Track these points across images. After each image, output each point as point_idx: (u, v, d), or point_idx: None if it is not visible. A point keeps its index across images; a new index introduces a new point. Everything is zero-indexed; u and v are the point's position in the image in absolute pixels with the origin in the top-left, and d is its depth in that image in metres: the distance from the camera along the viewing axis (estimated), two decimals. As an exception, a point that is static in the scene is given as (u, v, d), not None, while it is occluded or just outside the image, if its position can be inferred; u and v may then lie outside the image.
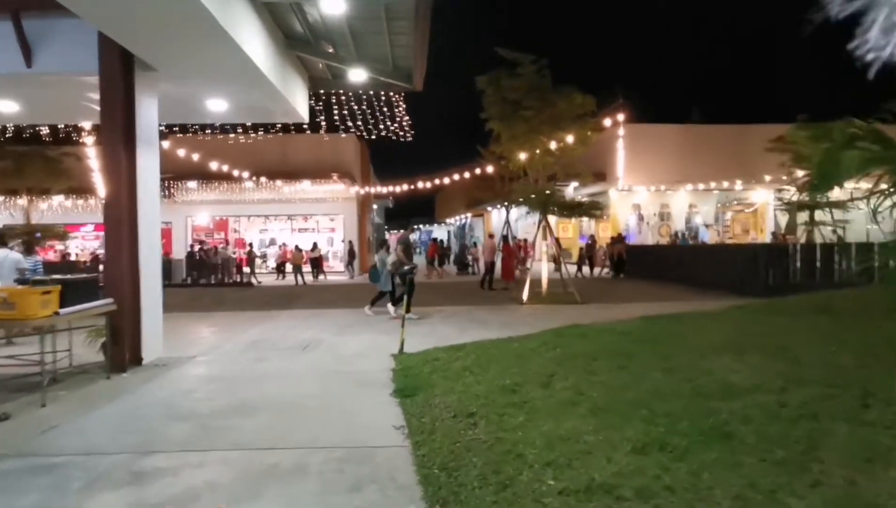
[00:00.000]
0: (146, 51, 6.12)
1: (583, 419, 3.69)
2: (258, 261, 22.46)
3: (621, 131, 12.97)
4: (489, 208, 39.82)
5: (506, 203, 23.00)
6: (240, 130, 11.04)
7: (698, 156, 24.41)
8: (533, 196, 13.12)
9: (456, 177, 17.41)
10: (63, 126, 13.63)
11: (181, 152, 15.76)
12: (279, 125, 11.43)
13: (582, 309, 11.12)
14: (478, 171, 16.62)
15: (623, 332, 6.05)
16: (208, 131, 10.92)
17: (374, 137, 10.83)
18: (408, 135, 10.70)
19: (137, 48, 6.03)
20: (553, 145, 12.41)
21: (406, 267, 9.85)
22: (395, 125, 10.49)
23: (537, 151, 12.83)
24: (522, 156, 13.15)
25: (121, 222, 6.05)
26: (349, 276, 22.44)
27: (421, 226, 66.99)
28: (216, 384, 5.52)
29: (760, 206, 27.57)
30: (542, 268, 13.85)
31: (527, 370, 5.11)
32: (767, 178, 20.97)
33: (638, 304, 11.83)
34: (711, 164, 24.22)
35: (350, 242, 23.54)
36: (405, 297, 9.46)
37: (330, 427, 4.17)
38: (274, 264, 22.20)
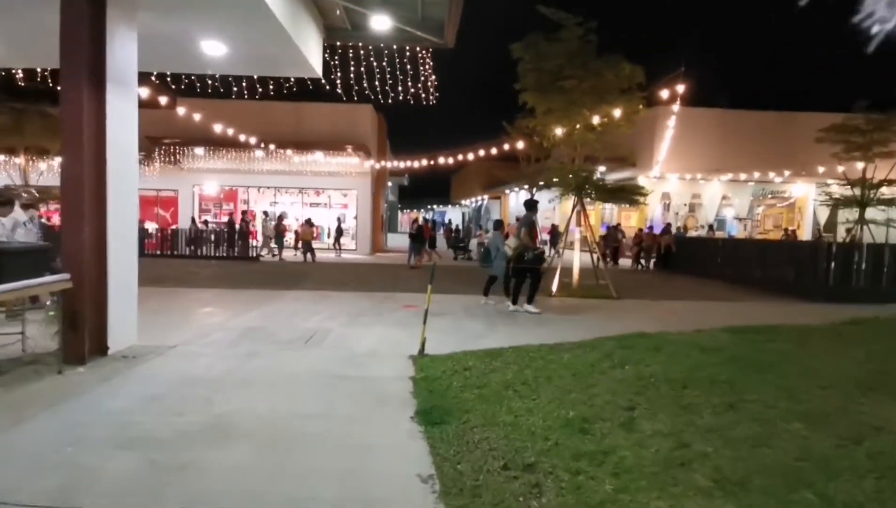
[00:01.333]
0: (120, -36, 4.86)
1: (708, 497, 2.45)
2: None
3: (676, 107, 11.47)
4: (507, 191, 38.39)
5: (528, 185, 21.60)
6: (249, 91, 9.72)
7: (735, 144, 22.78)
8: (569, 177, 11.76)
9: (481, 153, 16.02)
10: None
11: (188, 116, 14.53)
12: (293, 86, 10.10)
13: (621, 305, 9.88)
14: (506, 147, 15.23)
15: (709, 348, 4.78)
16: (219, 90, 9.60)
17: (391, 99, 9.48)
18: (431, 98, 9.36)
19: (107, -41, 4.77)
20: (596, 120, 11.00)
21: (531, 253, 8.63)
22: (419, 85, 9.14)
23: (577, 127, 11.44)
24: (559, 131, 11.77)
25: (81, 180, 4.84)
26: (336, 255, 20.94)
27: (435, 207, 65.66)
28: (191, 388, 4.35)
29: (799, 200, 25.92)
30: (574, 257, 12.58)
31: (593, 395, 3.88)
32: (821, 169, 19.28)
33: (681, 302, 10.57)
34: (750, 153, 22.59)
35: (339, 218, 22.20)
36: (530, 287, 8.66)
37: (331, 473, 2.98)
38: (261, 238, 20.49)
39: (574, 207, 12.07)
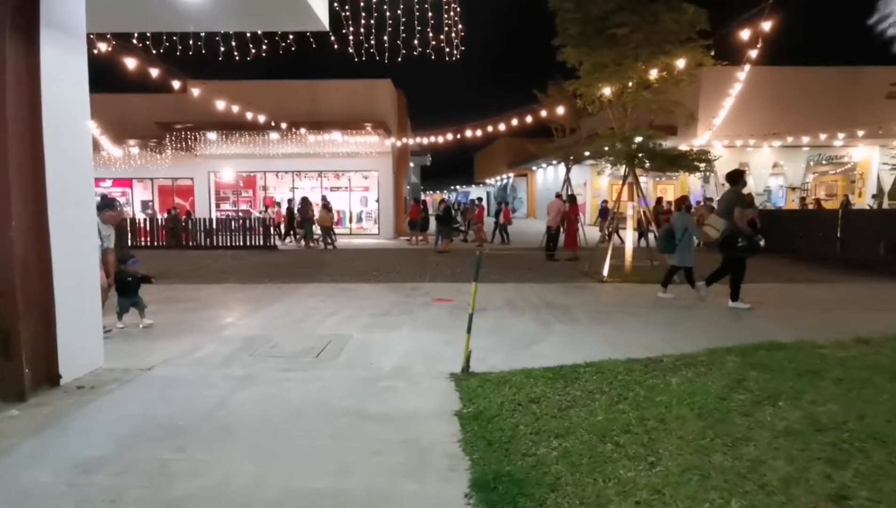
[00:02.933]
0: None
1: None
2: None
3: (754, 52, 9.53)
4: (534, 168, 36.52)
5: (562, 158, 19.78)
6: (257, 64, 8.37)
7: (791, 105, 20.61)
8: (619, 144, 10.14)
9: (514, 122, 14.43)
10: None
11: (199, 99, 13.29)
12: (298, 44, 8.67)
13: (690, 292, 8.33)
14: (543, 113, 13.60)
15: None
16: (228, 69, 8.24)
17: (413, 53, 7.99)
18: (456, 53, 7.83)
19: None
20: (653, 74, 9.34)
21: (743, 239, 6.83)
22: (441, 38, 7.63)
23: (629, 85, 9.80)
24: (607, 91, 10.13)
25: (2, 155, 3.57)
26: (296, 244, 19.11)
27: (458, 187, 64.02)
28: (148, 446, 3.07)
29: (860, 164, 23.58)
30: (627, 237, 11.06)
31: (754, 462, 2.46)
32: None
33: (761, 285, 8.95)
34: (808, 114, 20.41)
35: (304, 198, 19.88)
36: (733, 279, 6.98)
37: None
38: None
39: (625, 179, 10.48)
